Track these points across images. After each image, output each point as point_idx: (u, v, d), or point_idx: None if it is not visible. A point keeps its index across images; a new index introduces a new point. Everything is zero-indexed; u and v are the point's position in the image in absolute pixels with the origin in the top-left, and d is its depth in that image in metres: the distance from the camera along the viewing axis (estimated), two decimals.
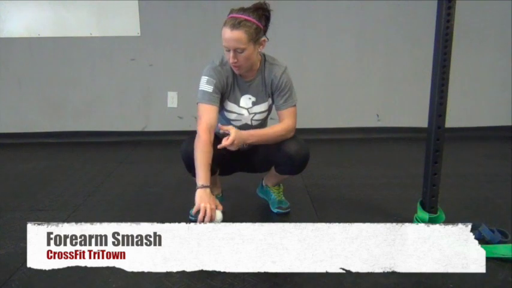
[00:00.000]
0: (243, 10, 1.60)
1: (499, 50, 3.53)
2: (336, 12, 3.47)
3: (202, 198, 1.52)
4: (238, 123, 1.78)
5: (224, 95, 1.73)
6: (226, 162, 1.80)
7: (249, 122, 1.79)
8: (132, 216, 1.91)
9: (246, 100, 1.75)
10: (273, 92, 1.74)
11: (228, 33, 1.58)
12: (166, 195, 2.17)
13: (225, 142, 1.58)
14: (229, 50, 1.60)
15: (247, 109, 1.77)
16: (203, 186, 1.55)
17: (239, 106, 1.76)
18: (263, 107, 1.77)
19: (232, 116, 1.78)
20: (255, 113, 1.78)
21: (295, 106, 1.74)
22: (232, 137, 1.57)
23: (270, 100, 1.77)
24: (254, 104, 1.76)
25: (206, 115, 1.66)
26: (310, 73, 3.54)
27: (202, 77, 1.69)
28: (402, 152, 3.20)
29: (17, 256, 1.55)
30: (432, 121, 1.63)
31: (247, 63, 1.65)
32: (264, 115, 1.80)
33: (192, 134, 1.69)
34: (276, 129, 1.71)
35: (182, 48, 3.51)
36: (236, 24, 1.56)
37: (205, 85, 1.67)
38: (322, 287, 1.35)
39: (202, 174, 1.56)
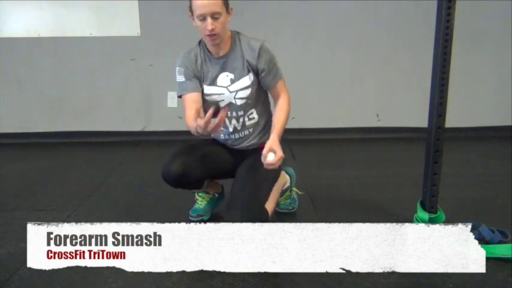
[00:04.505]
0: None
1: (499, 50, 3.53)
2: (336, 12, 3.47)
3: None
4: (222, 104, 1.71)
5: (199, 79, 1.71)
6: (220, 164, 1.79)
7: (233, 101, 1.71)
8: (132, 216, 1.91)
9: (223, 78, 1.69)
10: (257, 69, 1.67)
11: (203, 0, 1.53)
12: (166, 195, 2.16)
13: (273, 161, 1.51)
14: (204, 19, 1.56)
15: (226, 87, 1.70)
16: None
17: (217, 86, 1.70)
18: (244, 82, 1.68)
19: (214, 98, 1.71)
20: (236, 91, 1.69)
21: (282, 78, 1.71)
22: (279, 155, 1.51)
23: (251, 75, 1.68)
24: (233, 81, 1.69)
25: (187, 105, 1.68)
26: (310, 73, 3.54)
27: (176, 70, 1.71)
28: (402, 152, 3.21)
29: (17, 256, 1.55)
30: (432, 121, 1.63)
31: (223, 31, 1.61)
32: (247, 92, 1.70)
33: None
34: (283, 109, 1.68)
35: (182, 48, 3.48)
36: None
37: (177, 77, 1.70)
38: (322, 287, 1.35)
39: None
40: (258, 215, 1.56)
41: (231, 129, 1.76)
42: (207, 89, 1.71)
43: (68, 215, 1.97)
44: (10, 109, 3.60)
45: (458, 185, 2.31)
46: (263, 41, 1.67)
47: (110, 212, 2.00)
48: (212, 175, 1.83)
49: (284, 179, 1.95)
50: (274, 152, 1.51)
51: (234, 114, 1.73)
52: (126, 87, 3.61)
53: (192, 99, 1.67)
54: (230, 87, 1.69)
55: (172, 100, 3.58)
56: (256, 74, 1.68)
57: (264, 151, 1.52)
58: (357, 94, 3.62)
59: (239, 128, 1.75)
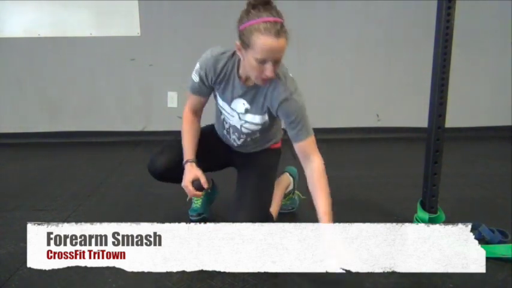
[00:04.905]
0: (268, 8, 1.33)
1: (498, 50, 3.53)
2: (336, 12, 3.47)
3: (185, 176, 1.58)
4: (227, 123, 1.67)
5: (214, 89, 1.60)
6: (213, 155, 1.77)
7: (238, 127, 1.64)
8: (132, 216, 1.91)
9: (239, 104, 1.57)
10: (277, 115, 1.53)
11: (274, 43, 1.31)
12: (166, 195, 2.16)
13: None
14: (264, 62, 1.34)
15: (238, 113, 1.60)
16: (186, 162, 1.60)
17: (230, 107, 1.60)
18: (256, 119, 1.58)
19: (223, 112, 1.65)
20: (246, 121, 1.60)
21: (312, 135, 1.49)
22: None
23: (266, 117, 1.57)
24: (247, 111, 1.57)
25: (191, 102, 1.65)
26: (310, 73, 3.53)
27: (196, 64, 1.58)
28: (402, 152, 3.20)
29: (17, 256, 1.55)
30: (432, 121, 1.64)
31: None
32: (256, 127, 1.61)
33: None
34: (324, 189, 1.44)
35: (182, 48, 3.51)
36: (280, 31, 1.32)
37: (193, 73, 1.58)
38: (322, 287, 1.35)
39: (186, 150, 1.62)
40: (264, 220, 1.56)
41: (231, 142, 1.72)
42: (221, 102, 1.62)
43: (68, 215, 1.97)
44: (10, 109, 3.60)
45: (458, 185, 2.31)
46: (290, 93, 1.46)
47: (110, 212, 2.00)
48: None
49: (288, 181, 1.95)
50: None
51: (236, 134, 1.68)
52: (126, 87, 3.61)
53: (195, 100, 1.65)
54: (242, 116, 1.59)
55: (172, 100, 3.59)
56: (273, 117, 1.58)
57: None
58: (357, 94, 3.62)
59: (240, 143, 1.71)
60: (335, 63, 3.56)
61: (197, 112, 1.67)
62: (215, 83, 1.56)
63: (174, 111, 3.58)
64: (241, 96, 1.55)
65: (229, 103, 1.59)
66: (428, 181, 1.68)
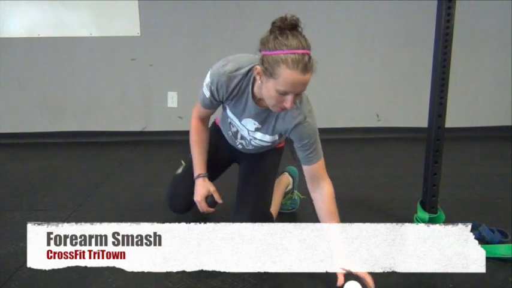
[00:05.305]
0: (296, 34, 1.26)
1: (499, 50, 3.53)
2: (336, 12, 3.47)
3: (197, 191, 1.60)
4: (234, 127, 1.63)
5: (222, 102, 1.53)
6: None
7: (247, 138, 1.60)
8: (132, 216, 1.91)
9: (250, 122, 1.52)
10: (288, 136, 1.50)
11: (300, 78, 1.23)
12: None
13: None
14: (286, 94, 1.27)
15: (248, 130, 1.56)
16: (198, 176, 1.61)
17: (240, 123, 1.55)
18: (267, 138, 1.55)
19: (232, 120, 1.60)
20: (255, 138, 1.58)
21: (322, 158, 1.46)
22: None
23: (276, 137, 1.55)
24: (257, 129, 1.53)
25: (199, 111, 1.60)
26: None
27: (207, 76, 1.45)
28: (402, 152, 3.20)
29: (17, 256, 1.55)
30: (432, 121, 1.64)
31: None
32: (264, 144, 1.60)
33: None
34: (334, 213, 1.44)
35: (182, 48, 3.51)
36: (308, 65, 1.23)
37: (204, 87, 1.48)
38: (322, 287, 1.35)
39: (196, 163, 1.62)
40: (265, 217, 1.61)
41: (237, 144, 1.70)
42: (230, 114, 1.56)
43: (68, 215, 1.97)
44: (10, 109, 3.60)
45: (458, 185, 2.31)
46: (303, 118, 1.41)
47: (110, 212, 2.00)
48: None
49: (288, 181, 1.95)
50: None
51: (244, 143, 1.66)
52: (126, 87, 3.61)
53: (204, 112, 1.60)
54: (251, 132, 1.56)
55: (172, 100, 3.58)
56: (282, 135, 1.56)
57: (339, 282, 1.29)
58: (357, 94, 3.61)
59: (246, 146, 1.68)
60: (335, 63, 3.56)
61: (205, 120, 1.65)
62: (227, 99, 1.48)
63: (174, 111, 3.58)
64: (253, 117, 1.49)
65: (239, 119, 1.53)
66: (428, 181, 1.68)
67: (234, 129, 1.65)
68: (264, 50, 1.26)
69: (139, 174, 2.66)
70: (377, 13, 3.47)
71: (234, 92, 1.44)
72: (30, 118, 3.62)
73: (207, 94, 1.48)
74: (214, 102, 1.51)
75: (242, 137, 1.64)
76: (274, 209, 1.76)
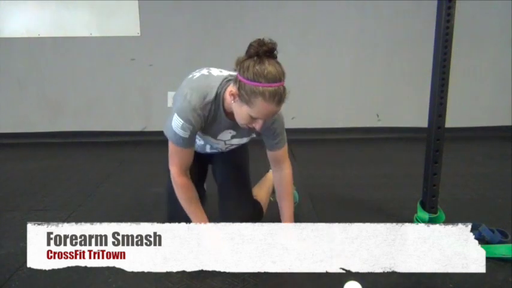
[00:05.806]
0: (272, 62, 1.29)
1: (499, 50, 3.53)
2: (336, 12, 3.47)
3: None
4: (208, 145, 1.64)
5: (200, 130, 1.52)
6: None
7: (223, 147, 1.64)
8: (132, 216, 1.91)
9: (225, 134, 1.55)
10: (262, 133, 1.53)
11: (274, 109, 1.31)
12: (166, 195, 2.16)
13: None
14: (257, 119, 1.34)
15: (224, 141, 1.59)
16: None
17: (216, 139, 1.57)
18: (244, 140, 1.62)
19: (205, 141, 1.61)
20: (232, 144, 1.62)
21: (286, 144, 1.56)
22: None
23: (254, 134, 1.60)
24: (233, 137, 1.58)
25: (179, 158, 1.51)
26: (310, 73, 3.53)
27: (177, 117, 1.43)
28: (402, 152, 3.20)
29: (17, 256, 1.55)
30: (432, 121, 1.64)
31: None
32: (243, 142, 1.65)
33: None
34: (287, 184, 1.58)
35: (182, 48, 3.51)
36: (282, 97, 1.30)
37: (181, 130, 1.43)
38: (322, 287, 1.35)
39: (200, 220, 1.49)
40: (251, 210, 1.66)
41: (210, 152, 1.70)
42: (203, 138, 1.59)
43: (68, 215, 1.97)
44: (10, 109, 3.60)
45: (458, 185, 2.31)
46: (278, 114, 1.46)
47: (110, 212, 2.00)
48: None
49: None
50: None
51: (220, 149, 1.67)
52: (126, 87, 3.61)
53: (188, 154, 1.51)
54: (227, 141, 1.60)
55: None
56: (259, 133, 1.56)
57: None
58: (357, 94, 3.61)
59: (223, 150, 1.68)
60: (335, 63, 3.56)
61: (187, 172, 1.53)
62: (201, 127, 1.48)
63: None
64: (228, 128, 1.52)
65: (215, 136, 1.55)
66: (428, 181, 1.68)
67: (208, 148, 1.66)
68: (242, 77, 1.29)
69: (139, 174, 2.66)
70: (377, 13, 3.47)
71: (210, 119, 1.47)
72: (30, 118, 3.62)
73: (186, 135, 1.44)
74: (192, 138, 1.48)
75: (218, 148, 1.65)
76: (262, 196, 1.80)
